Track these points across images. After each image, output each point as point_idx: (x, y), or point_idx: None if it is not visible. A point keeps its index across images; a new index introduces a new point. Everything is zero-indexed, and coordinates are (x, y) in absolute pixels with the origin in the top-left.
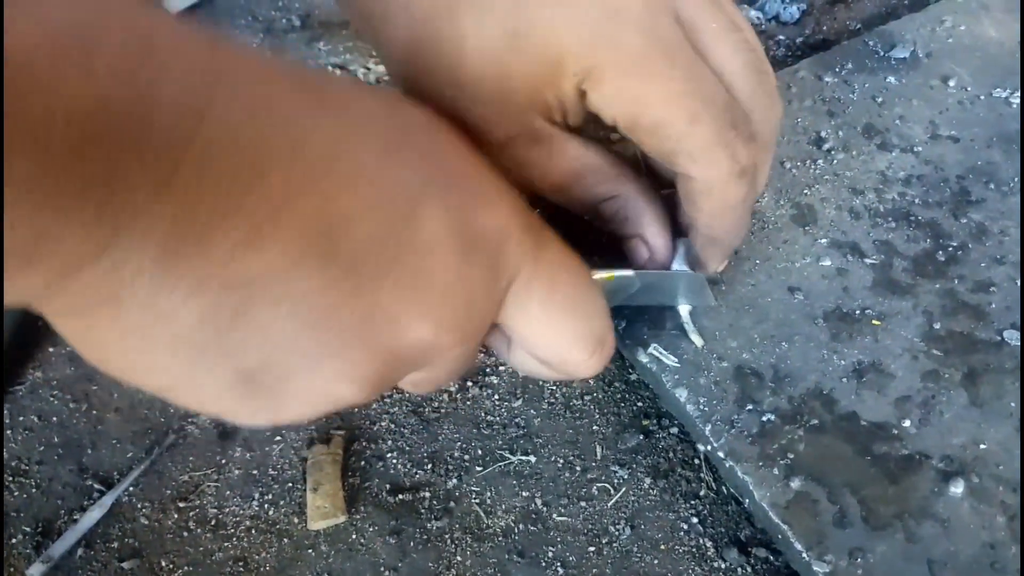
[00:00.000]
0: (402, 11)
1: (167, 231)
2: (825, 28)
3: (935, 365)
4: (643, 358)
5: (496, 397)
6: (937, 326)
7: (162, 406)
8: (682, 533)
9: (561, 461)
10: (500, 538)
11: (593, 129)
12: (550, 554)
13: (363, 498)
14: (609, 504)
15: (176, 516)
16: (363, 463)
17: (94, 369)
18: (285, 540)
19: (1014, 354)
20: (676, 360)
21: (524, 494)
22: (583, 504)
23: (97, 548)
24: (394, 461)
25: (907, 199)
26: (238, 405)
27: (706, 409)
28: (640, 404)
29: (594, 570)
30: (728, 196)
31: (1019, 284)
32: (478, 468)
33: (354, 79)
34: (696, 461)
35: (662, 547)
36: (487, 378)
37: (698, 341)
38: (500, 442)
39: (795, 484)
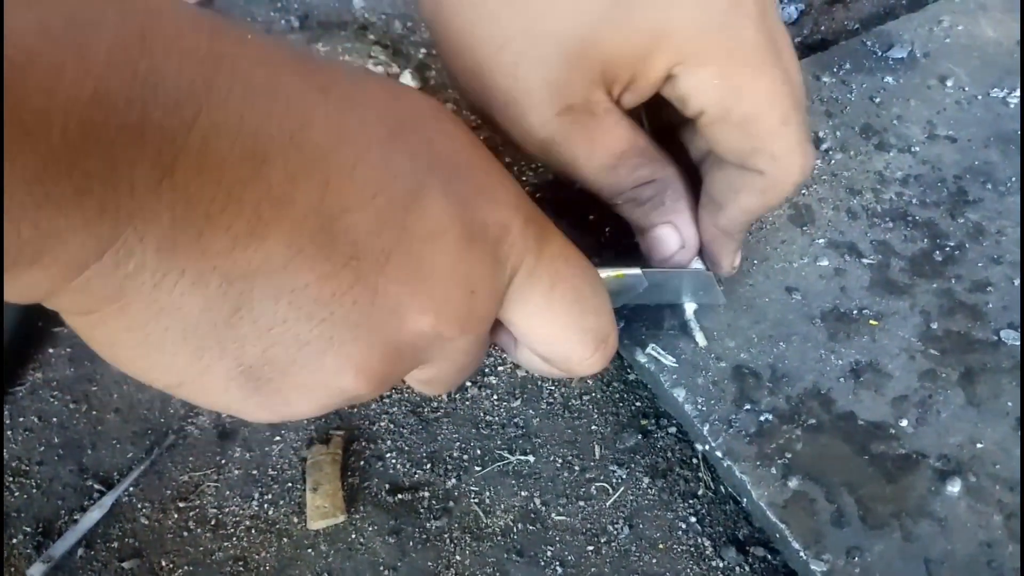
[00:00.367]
0: None
1: (167, 224)
2: (823, 28)
3: (932, 365)
4: (641, 358)
5: (495, 397)
6: (934, 326)
7: (161, 407)
8: (680, 532)
9: (560, 461)
10: (499, 537)
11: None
12: (549, 553)
13: (362, 498)
14: (607, 503)
15: (176, 516)
16: (362, 463)
17: (94, 370)
18: (285, 540)
19: (1011, 354)
20: (674, 360)
21: (523, 494)
22: (582, 503)
23: (97, 548)
24: (393, 461)
25: (904, 199)
26: (243, 400)
27: (704, 409)
28: (638, 404)
29: (592, 569)
30: (779, 200)
31: (1016, 284)
32: (477, 468)
33: (359, 66)
34: (694, 460)
35: (660, 546)
36: (486, 378)
37: (701, 340)
38: (499, 442)
39: (793, 483)
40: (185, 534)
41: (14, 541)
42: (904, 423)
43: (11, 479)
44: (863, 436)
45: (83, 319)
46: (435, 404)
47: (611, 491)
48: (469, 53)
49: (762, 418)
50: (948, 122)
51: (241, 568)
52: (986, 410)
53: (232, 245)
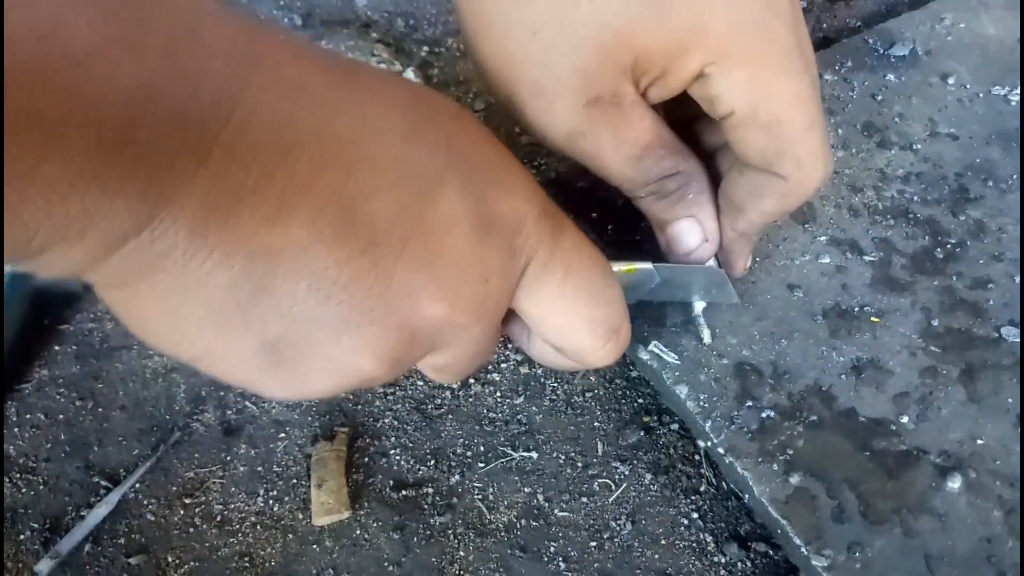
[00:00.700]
0: None
1: (200, 207)
2: (825, 26)
3: (933, 361)
4: (644, 355)
5: (498, 394)
6: (935, 323)
7: (167, 404)
8: (682, 528)
9: (562, 457)
10: (502, 533)
11: None
12: (552, 549)
13: (367, 494)
14: (610, 500)
15: (182, 512)
16: (367, 459)
17: (100, 367)
18: (290, 536)
19: (1012, 350)
20: (676, 357)
21: (526, 490)
22: (584, 500)
23: (104, 544)
24: (397, 457)
25: (906, 196)
26: (263, 376)
27: (706, 405)
28: (641, 401)
29: (595, 565)
30: (799, 204)
31: (1017, 281)
32: (480, 464)
33: (385, 69)
34: (696, 457)
35: (663, 542)
36: (489, 375)
37: (707, 337)
38: (502, 438)
39: (794, 479)
40: (191, 530)
41: (21, 537)
42: (905, 420)
43: (18, 476)
44: (864, 432)
45: (116, 292)
46: (439, 401)
47: (614, 487)
48: (500, 39)
49: (764, 415)
50: (949, 120)
51: (246, 564)
52: (986, 407)
53: (258, 228)
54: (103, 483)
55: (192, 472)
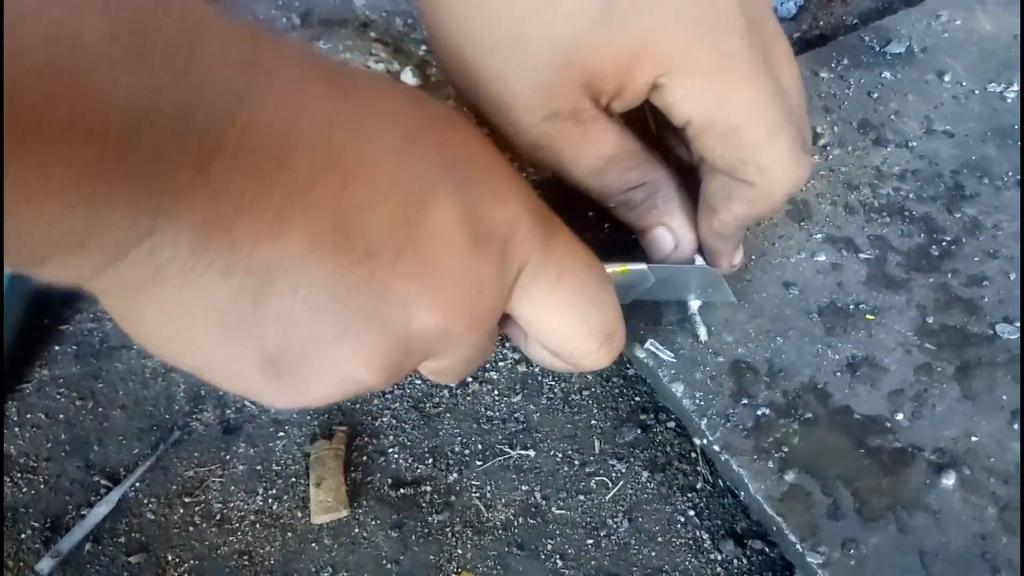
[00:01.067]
0: None
1: (200, 217)
2: (821, 23)
3: (928, 359)
4: (640, 353)
5: (496, 392)
6: (930, 320)
7: (167, 403)
8: (679, 525)
9: (560, 455)
10: (500, 531)
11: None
12: (549, 546)
13: (365, 492)
14: (607, 497)
15: (182, 511)
16: (365, 458)
17: (100, 367)
18: (289, 534)
19: (1007, 347)
20: (672, 355)
21: (523, 488)
22: (582, 497)
23: (105, 543)
24: (395, 456)
25: (901, 194)
26: (263, 385)
27: (702, 403)
28: (637, 399)
29: (592, 562)
30: (771, 208)
31: (1012, 278)
32: (478, 462)
33: (383, 75)
34: (693, 455)
35: (659, 539)
36: (486, 374)
37: (703, 335)
38: (500, 437)
39: (789, 477)
40: (191, 529)
41: (22, 536)
42: (900, 417)
43: (19, 475)
44: (859, 430)
45: (118, 301)
46: (436, 399)
47: (610, 485)
48: (459, 54)
49: (759, 412)
50: (945, 117)
51: (246, 562)
52: (981, 404)
53: (256, 238)
54: (103, 482)
55: (192, 471)
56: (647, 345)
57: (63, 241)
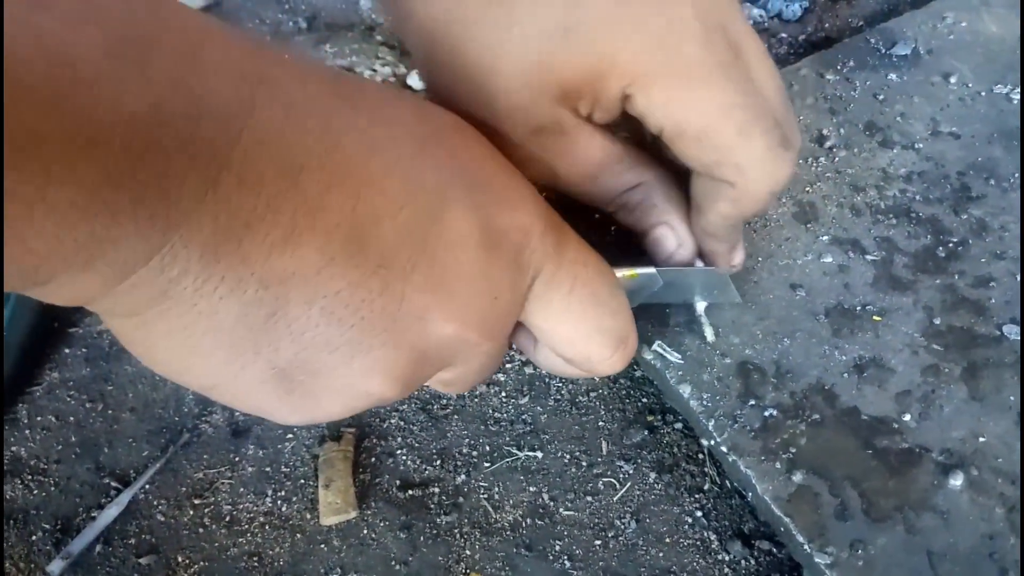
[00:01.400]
0: None
1: (210, 233)
2: (827, 25)
3: (935, 360)
4: (647, 355)
5: (503, 394)
6: (937, 321)
7: (176, 405)
8: (687, 526)
9: (567, 457)
10: (508, 532)
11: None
12: (557, 547)
13: (374, 494)
14: (615, 498)
15: (191, 513)
16: (373, 460)
17: (109, 370)
18: (298, 535)
19: (1013, 348)
20: (680, 357)
21: (531, 489)
22: (589, 499)
23: (115, 544)
24: (404, 457)
25: (908, 196)
26: (275, 402)
27: (709, 405)
28: (645, 400)
29: (600, 563)
30: (756, 207)
31: (1019, 279)
32: (486, 464)
33: (388, 84)
34: (700, 456)
35: (667, 540)
36: (494, 376)
37: (710, 336)
38: (507, 438)
39: (797, 478)
40: (200, 530)
41: (33, 538)
42: (907, 418)
43: (30, 477)
44: (866, 431)
45: (124, 321)
46: (444, 402)
47: (618, 486)
48: (442, 82)
49: (767, 413)
50: (951, 119)
51: (255, 563)
52: (988, 404)
53: (269, 252)
54: (113, 484)
55: (201, 473)
56: (654, 347)
57: (69, 258)
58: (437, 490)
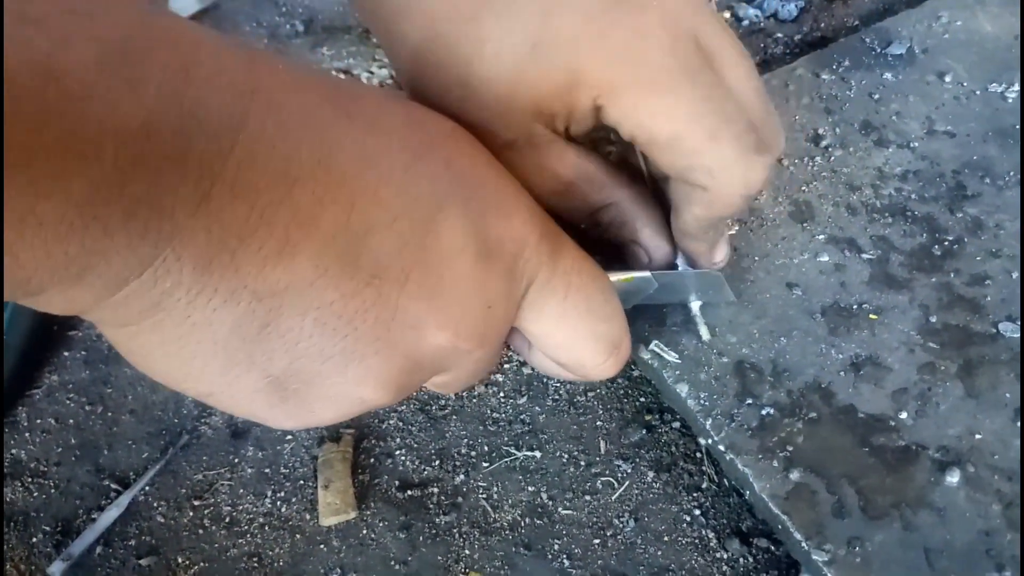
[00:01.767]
0: (418, 9)
1: (203, 245)
2: (823, 25)
3: (931, 358)
4: (644, 355)
5: (501, 395)
6: (933, 319)
7: (175, 408)
8: (685, 525)
9: (566, 456)
10: (507, 531)
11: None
12: (556, 547)
13: (373, 494)
14: (613, 497)
15: (191, 514)
16: (372, 460)
17: (109, 372)
18: (297, 536)
19: (1009, 346)
20: (677, 356)
21: (530, 489)
22: (588, 498)
23: (115, 546)
24: (403, 458)
25: (903, 194)
26: (270, 409)
27: (707, 404)
28: (642, 400)
29: (599, 562)
30: (730, 209)
31: (1014, 277)
32: (485, 464)
33: (384, 89)
34: (698, 455)
35: (665, 539)
36: (492, 376)
37: (705, 335)
38: (506, 438)
39: (794, 476)
40: (200, 531)
41: (34, 540)
42: (904, 415)
43: (30, 480)
44: (863, 428)
45: (119, 331)
46: (443, 402)
47: (616, 485)
48: (423, 94)
49: (764, 412)
50: (947, 117)
51: (255, 564)
52: (984, 402)
53: (263, 264)
54: (113, 486)
55: (201, 474)
56: (651, 347)
57: (61, 270)
58: (436, 490)
